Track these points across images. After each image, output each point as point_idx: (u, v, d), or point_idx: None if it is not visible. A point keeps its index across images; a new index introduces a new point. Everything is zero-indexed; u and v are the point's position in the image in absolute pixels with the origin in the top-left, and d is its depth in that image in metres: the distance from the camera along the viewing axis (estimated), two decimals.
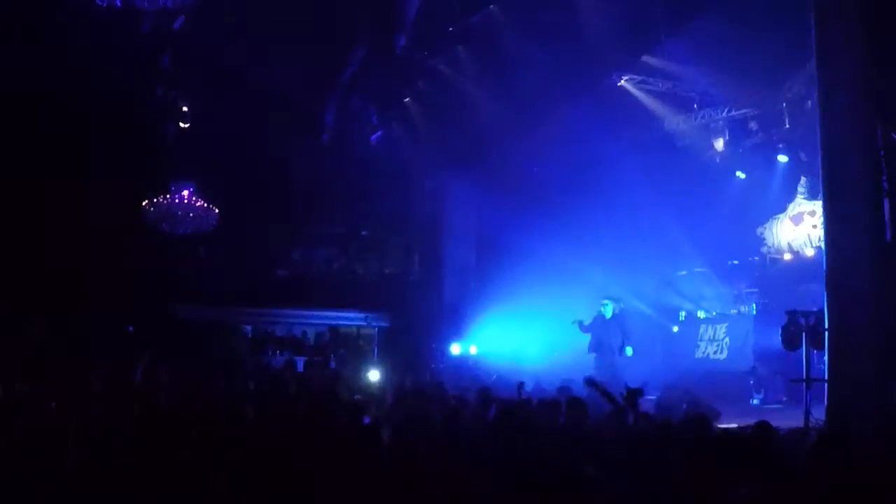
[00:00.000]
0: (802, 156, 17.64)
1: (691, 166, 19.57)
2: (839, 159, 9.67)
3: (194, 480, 5.03)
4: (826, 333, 9.72)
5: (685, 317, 18.74)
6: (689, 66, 16.91)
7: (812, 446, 5.48)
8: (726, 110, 18.53)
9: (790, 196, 18.69)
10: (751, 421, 6.68)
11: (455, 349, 20.78)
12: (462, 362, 20.43)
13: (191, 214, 22.12)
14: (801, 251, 18.11)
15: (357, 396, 10.02)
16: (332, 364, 20.71)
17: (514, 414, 7.19)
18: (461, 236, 22.79)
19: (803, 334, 10.97)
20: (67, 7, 16.54)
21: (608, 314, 15.71)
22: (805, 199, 18.16)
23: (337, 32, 17.96)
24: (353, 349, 23.47)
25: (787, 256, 18.45)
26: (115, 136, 20.67)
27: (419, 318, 23.18)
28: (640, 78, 17.93)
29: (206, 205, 22.31)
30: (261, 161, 23.30)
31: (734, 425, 9.40)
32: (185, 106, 20.44)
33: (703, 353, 17.44)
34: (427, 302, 23.16)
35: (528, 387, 13.92)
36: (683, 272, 19.81)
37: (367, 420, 7.54)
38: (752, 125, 18.46)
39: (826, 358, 9.81)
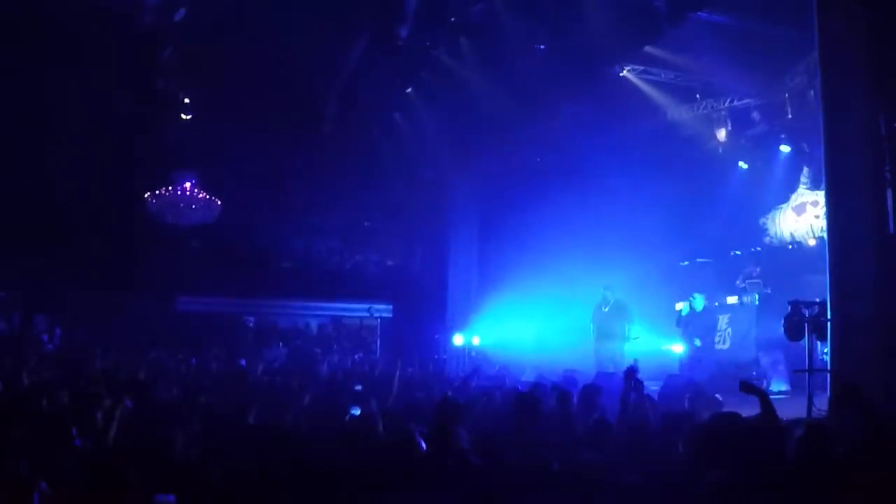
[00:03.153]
0: (805, 146, 17.61)
1: (694, 156, 19.53)
2: (842, 149, 9.65)
3: (192, 473, 5.04)
4: (829, 324, 9.73)
5: (688, 308, 18.73)
6: (691, 56, 16.87)
7: (800, 438, 5.47)
8: (729, 100, 18.49)
9: (793, 186, 18.67)
10: (753, 412, 6.68)
11: (458, 340, 20.81)
12: (464, 353, 20.48)
13: (193, 206, 22.21)
14: (803, 241, 18.10)
15: (358, 387, 10.01)
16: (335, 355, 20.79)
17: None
18: (464, 227, 22.81)
19: (806, 325, 10.98)
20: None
21: (699, 308, 15.64)
22: (807, 189, 18.14)
23: (339, 22, 17.93)
24: (355, 340, 23.53)
25: (790, 247, 18.43)
26: (118, 128, 20.69)
27: (422, 310, 23.22)
28: (642, 68, 17.88)
29: (208, 196, 22.38)
30: (262, 152, 23.31)
31: None
32: (187, 97, 20.45)
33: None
34: (429, 293, 23.19)
35: (531, 377, 13.99)
36: (686, 262, 19.80)
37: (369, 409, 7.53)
38: (755, 115, 18.41)
39: (829, 348, 9.83)
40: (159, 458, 5.26)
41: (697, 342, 15.31)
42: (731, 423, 5.73)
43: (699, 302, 15.58)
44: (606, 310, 16.05)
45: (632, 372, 7.35)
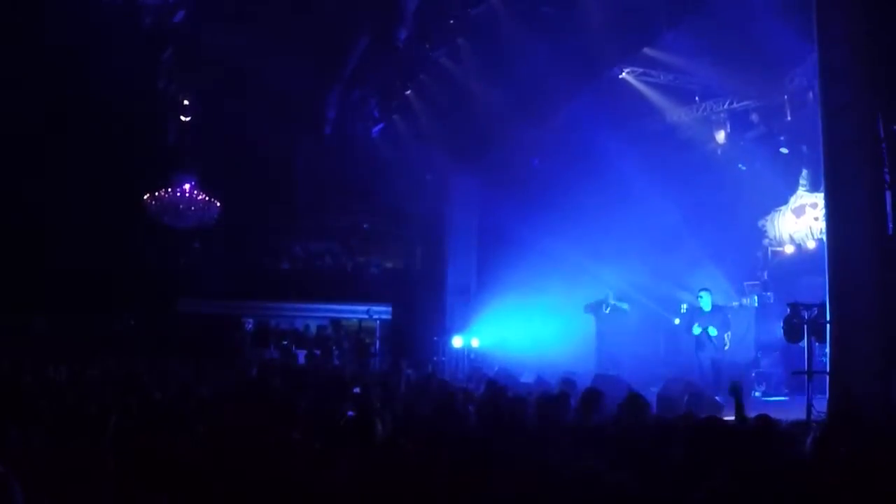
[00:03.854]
0: (804, 148, 17.60)
1: (693, 158, 19.54)
2: (840, 151, 9.65)
3: (192, 475, 5.04)
4: (828, 325, 9.72)
5: (686, 309, 18.71)
6: (690, 58, 16.88)
7: (817, 439, 5.48)
8: (728, 102, 18.51)
9: (792, 188, 18.66)
10: (753, 414, 6.69)
11: (457, 342, 20.79)
12: (464, 355, 20.47)
13: (192, 208, 22.19)
14: (802, 243, 18.08)
15: (356, 389, 9.99)
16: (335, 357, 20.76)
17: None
18: (463, 229, 22.78)
19: (805, 326, 10.97)
20: (69, 2, 16.55)
21: (707, 307, 14.70)
22: (806, 191, 18.13)
23: (338, 26, 17.94)
24: (354, 342, 23.49)
25: (789, 249, 18.42)
26: (117, 130, 20.68)
27: (421, 311, 23.21)
28: (641, 70, 17.90)
29: (207, 198, 22.37)
30: (262, 154, 23.31)
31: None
32: (187, 100, 20.45)
33: None
34: (429, 295, 23.17)
35: (530, 379, 13.98)
36: (685, 265, 19.77)
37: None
38: (754, 117, 18.45)
39: (828, 350, 9.82)
40: (161, 460, 5.26)
41: (713, 331, 14.38)
42: (720, 426, 5.73)
43: (706, 300, 14.88)
44: (607, 311, 15.95)
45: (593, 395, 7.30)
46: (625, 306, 15.55)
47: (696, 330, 14.51)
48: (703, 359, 14.47)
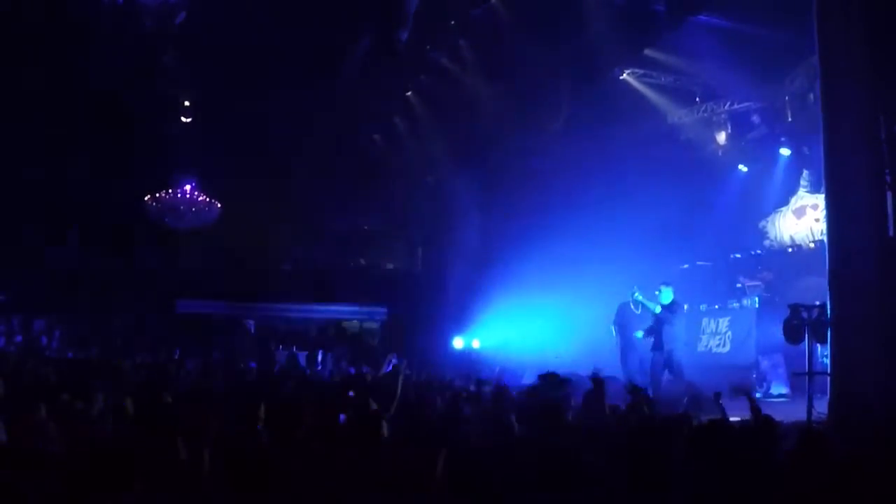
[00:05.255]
0: (805, 149, 17.59)
1: (693, 160, 19.54)
2: (842, 152, 9.64)
3: (193, 473, 5.03)
4: (829, 327, 9.71)
5: (687, 310, 18.66)
6: (691, 59, 16.89)
7: (816, 441, 5.46)
8: (729, 104, 18.50)
9: (793, 189, 18.66)
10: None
11: (458, 343, 20.78)
12: (465, 356, 20.45)
13: (193, 209, 22.21)
14: (803, 244, 18.08)
15: (351, 392, 9.93)
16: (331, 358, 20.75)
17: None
18: (464, 230, 22.76)
19: (806, 328, 10.95)
20: (70, 3, 16.55)
21: (667, 300, 13.98)
22: (807, 192, 18.12)
23: (339, 26, 17.94)
24: (355, 343, 23.49)
25: (790, 250, 18.42)
26: (117, 131, 20.68)
27: (422, 313, 23.20)
28: (642, 71, 17.92)
29: (208, 199, 22.38)
30: (263, 155, 23.31)
31: (737, 419, 9.39)
32: (187, 101, 20.45)
33: (706, 346, 17.40)
34: (430, 296, 23.17)
35: (531, 380, 13.95)
36: (686, 265, 19.77)
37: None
38: (755, 118, 18.44)
39: (829, 351, 9.81)
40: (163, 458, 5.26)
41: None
42: (722, 429, 5.71)
43: (667, 295, 14.01)
44: (638, 311, 15.63)
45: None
46: (655, 308, 14.97)
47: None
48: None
